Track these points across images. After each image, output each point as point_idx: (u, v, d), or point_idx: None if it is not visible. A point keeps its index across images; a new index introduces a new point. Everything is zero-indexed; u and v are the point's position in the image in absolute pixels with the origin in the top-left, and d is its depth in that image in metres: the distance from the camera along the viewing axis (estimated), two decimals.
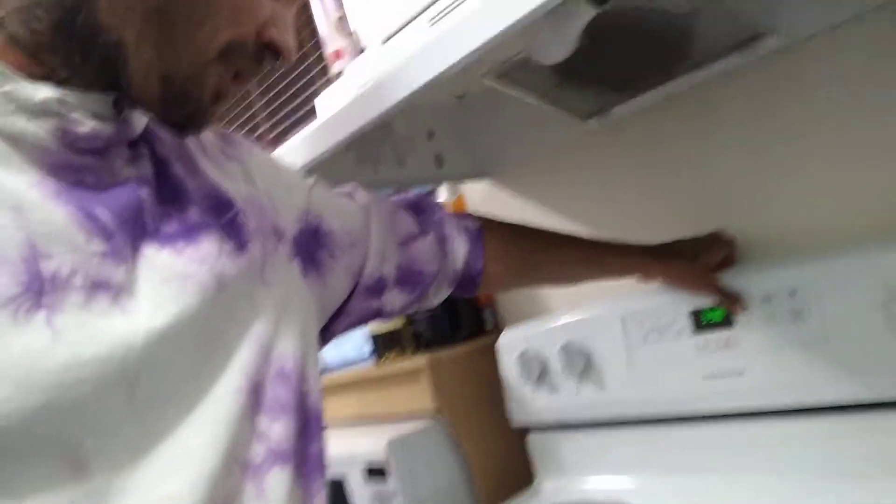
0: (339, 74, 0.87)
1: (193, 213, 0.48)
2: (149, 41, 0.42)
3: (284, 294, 0.52)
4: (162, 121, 0.46)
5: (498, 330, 0.97)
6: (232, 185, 0.53)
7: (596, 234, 0.77)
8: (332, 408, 1.09)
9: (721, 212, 0.82)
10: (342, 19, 0.85)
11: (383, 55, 0.70)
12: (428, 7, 0.64)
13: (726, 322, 0.72)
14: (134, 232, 0.44)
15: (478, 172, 1.04)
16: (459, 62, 0.53)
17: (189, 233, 0.47)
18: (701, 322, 0.74)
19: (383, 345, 1.04)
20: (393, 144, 0.92)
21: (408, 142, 0.95)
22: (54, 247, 0.39)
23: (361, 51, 0.85)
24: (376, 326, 1.05)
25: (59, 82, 0.42)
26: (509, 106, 0.92)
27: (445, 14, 0.62)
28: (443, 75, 0.55)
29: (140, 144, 0.49)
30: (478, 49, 0.51)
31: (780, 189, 0.77)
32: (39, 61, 0.42)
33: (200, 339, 0.44)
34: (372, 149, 0.90)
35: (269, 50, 0.47)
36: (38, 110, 0.41)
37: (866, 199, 0.71)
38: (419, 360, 0.93)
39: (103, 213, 0.42)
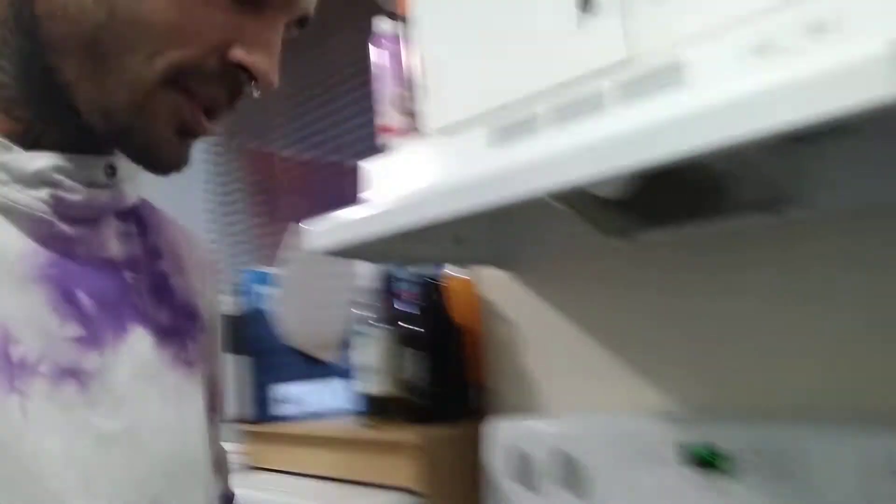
0: (386, 146, 0.90)
1: (169, 314, 0.49)
2: (87, 75, 0.41)
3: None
4: (134, 161, 0.44)
5: (491, 413, 0.99)
6: (202, 296, 0.53)
7: (600, 344, 0.80)
8: (310, 460, 1.10)
9: (726, 356, 0.86)
10: (404, 97, 0.89)
11: (442, 148, 0.73)
12: (492, 112, 0.67)
13: (716, 463, 0.75)
14: (117, 314, 0.44)
15: (495, 260, 1.07)
16: (529, 192, 0.55)
17: (166, 331, 0.47)
18: (692, 457, 0.77)
19: (374, 408, 1.05)
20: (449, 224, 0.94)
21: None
22: (25, 331, 0.39)
23: (415, 129, 0.88)
24: (370, 386, 1.07)
25: (42, 141, 0.42)
26: (537, 204, 0.96)
27: (512, 132, 0.66)
28: (502, 202, 0.58)
29: (130, 219, 0.49)
30: (551, 185, 0.53)
31: (786, 347, 0.81)
32: (15, 118, 0.42)
33: (155, 450, 0.43)
34: None
35: (242, 73, 0.43)
36: (33, 180, 0.41)
37: (871, 375, 0.75)
38: (408, 434, 0.95)
39: (84, 298, 0.42)
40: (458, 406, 1.04)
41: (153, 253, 0.50)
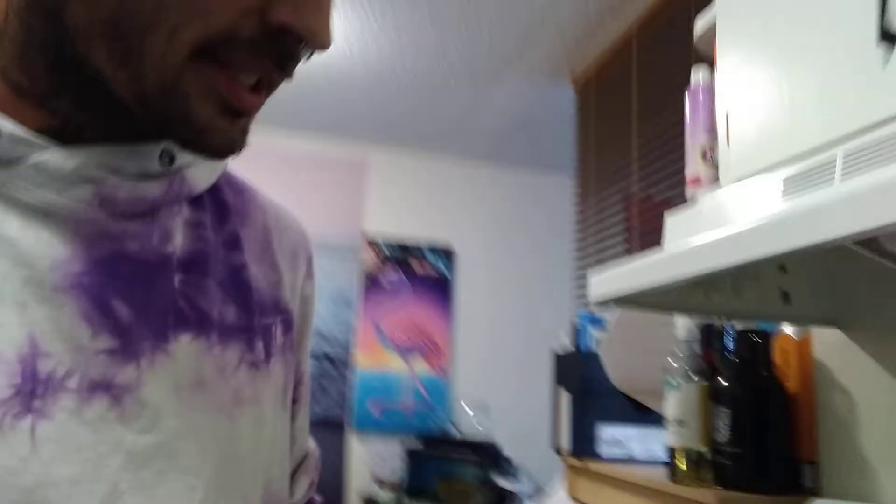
0: (692, 199, 0.89)
1: (239, 311, 0.44)
2: (116, 61, 0.36)
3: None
4: (184, 148, 0.40)
5: (816, 494, 0.88)
6: (291, 287, 0.50)
7: None
8: (617, 501, 1.11)
9: None
10: (712, 149, 0.87)
11: (737, 196, 0.71)
12: (790, 163, 0.63)
13: None
14: (159, 323, 0.40)
15: (827, 318, 0.95)
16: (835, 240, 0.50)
17: (227, 331, 0.43)
18: None
19: (683, 462, 1.02)
20: (733, 272, 0.91)
21: (752, 272, 0.92)
22: (56, 344, 0.36)
23: (716, 180, 0.86)
24: (677, 440, 1.04)
25: (85, 132, 0.39)
26: (868, 261, 0.84)
27: (807, 183, 0.61)
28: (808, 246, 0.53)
29: (205, 206, 0.45)
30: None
31: None
32: (50, 111, 0.38)
33: (194, 461, 0.40)
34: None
35: (288, 35, 0.37)
36: (71, 179, 0.37)
37: None
38: (711, 495, 0.90)
39: (120, 307, 0.39)
40: (778, 477, 0.94)
41: (230, 243, 0.46)
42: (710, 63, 0.94)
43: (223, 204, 0.47)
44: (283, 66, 0.39)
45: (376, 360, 3.27)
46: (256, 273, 0.47)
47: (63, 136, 0.38)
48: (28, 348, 0.36)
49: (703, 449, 1.00)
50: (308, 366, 0.54)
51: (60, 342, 0.36)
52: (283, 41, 0.37)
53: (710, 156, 0.87)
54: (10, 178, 0.37)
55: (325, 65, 2.51)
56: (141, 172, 0.40)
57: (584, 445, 1.40)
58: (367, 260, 3.35)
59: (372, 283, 3.33)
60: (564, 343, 1.65)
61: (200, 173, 0.44)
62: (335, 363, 3.24)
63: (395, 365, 3.28)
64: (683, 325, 1.13)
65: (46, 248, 0.37)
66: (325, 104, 2.93)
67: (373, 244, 3.37)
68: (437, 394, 3.31)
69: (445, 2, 2.14)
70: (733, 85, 0.77)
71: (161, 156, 0.40)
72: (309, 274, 0.53)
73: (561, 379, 1.55)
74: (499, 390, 3.23)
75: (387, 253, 3.37)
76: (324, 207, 3.31)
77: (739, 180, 0.71)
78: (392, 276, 3.36)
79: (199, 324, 0.42)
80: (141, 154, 0.40)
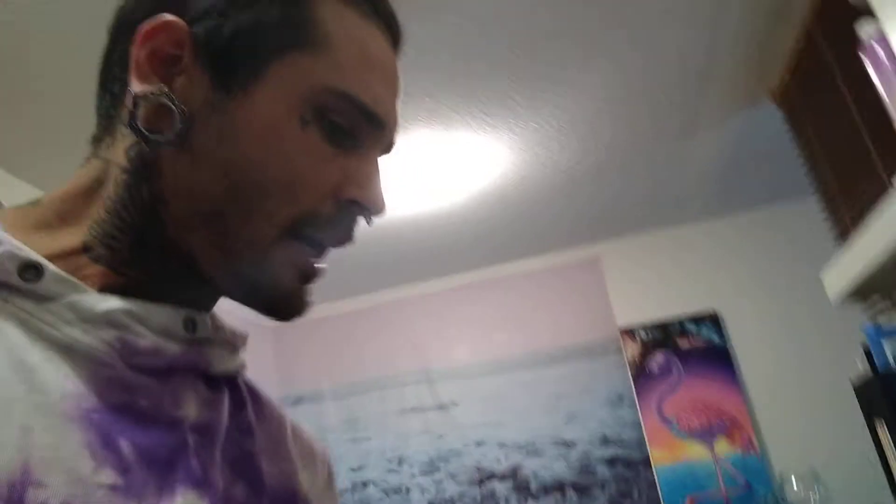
0: None
1: (247, 491, 0.44)
2: (213, 245, 0.42)
3: None
4: (260, 311, 0.44)
5: None
6: (305, 480, 0.50)
7: None
8: None
9: None
10: None
11: None
12: None
13: None
14: (167, 474, 0.39)
15: None
16: None
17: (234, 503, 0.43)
18: None
19: None
20: None
21: None
22: (53, 475, 0.35)
23: None
24: None
25: (136, 291, 0.42)
26: None
27: None
28: None
29: (220, 389, 0.46)
30: None
31: None
32: (120, 273, 0.43)
33: None
34: None
35: (355, 208, 0.44)
36: (99, 321, 0.39)
37: None
38: None
39: (126, 446, 0.38)
40: None
41: (243, 430, 0.47)
42: (869, 13, 0.85)
43: (240, 397, 0.49)
44: (349, 235, 0.45)
45: (674, 453, 3.05)
46: (268, 465, 0.47)
47: (121, 293, 0.41)
48: (20, 475, 0.34)
49: None
50: None
51: (59, 473, 0.35)
52: (352, 213, 0.44)
53: None
54: (40, 312, 0.38)
55: (523, 177, 2.63)
56: (164, 330, 0.42)
57: None
58: (630, 351, 3.25)
59: (642, 374, 3.19)
60: (861, 369, 1.42)
61: (219, 356, 0.46)
62: (631, 466, 3.09)
63: (695, 453, 3.03)
64: None
65: (63, 380, 0.37)
66: (539, 219, 3.04)
67: (630, 333, 3.28)
68: (754, 473, 2.96)
69: (613, 87, 2.18)
70: None
71: (186, 322, 0.43)
72: (329, 485, 0.54)
73: (871, 409, 1.33)
74: (819, 446, 2.81)
75: (647, 338, 3.24)
76: (572, 314, 3.34)
77: None
78: (660, 359, 3.20)
79: (208, 486, 0.41)
80: (168, 314, 0.43)
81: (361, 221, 0.46)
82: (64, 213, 0.44)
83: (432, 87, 2.08)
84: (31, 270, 0.38)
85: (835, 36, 1.91)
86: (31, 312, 0.38)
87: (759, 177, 2.99)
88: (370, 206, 0.44)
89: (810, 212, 2.72)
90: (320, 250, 0.45)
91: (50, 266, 0.39)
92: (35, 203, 0.45)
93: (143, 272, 0.43)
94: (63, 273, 0.40)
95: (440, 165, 2.44)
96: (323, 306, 3.52)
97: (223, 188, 0.41)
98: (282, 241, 0.42)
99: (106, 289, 0.42)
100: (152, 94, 0.41)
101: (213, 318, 0.48)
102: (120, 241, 0.43)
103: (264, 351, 3.47)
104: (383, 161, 0.48)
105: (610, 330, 3.31)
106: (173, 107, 0.41)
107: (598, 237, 3.40)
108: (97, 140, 0.46)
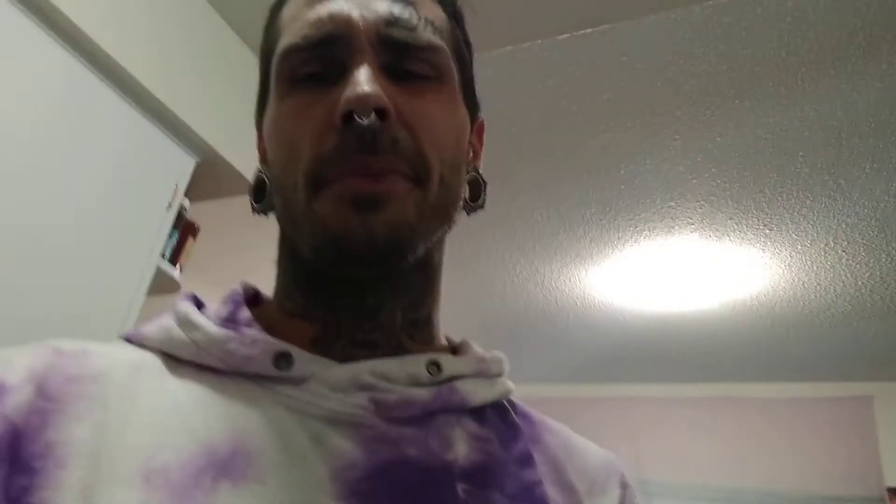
0: None
1: None
2: (292, 230, 0.45)
3: None
4: (354, 268, 0.43)
5: None
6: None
7: None
8: None
9: None
10: None
11: None
12: None
13: None
14: None
15: None
16: None
17: None
18: None
19: None
20: None
21: None
22: None
23: None
24: None
25: (341, 334, 0.44)
26: None
27: None
28: None
29: (489, 422, 0.45)
30: None
31: None
32: (313, 321, 0.45)
33: None
34: None
35: (352, 122, 0.41)
36: (349, 387, 0.41)
37: None
38: None
39: None
40: None
41: (521, 460, 0.45)
42: None
43: (512, 424, 0.47)
44: (371, 146, 0.41)
45: None
46: (553, 493, 0.45)
47: (329, 341, 0.45)
48: None
49: None
50: None
51: None
52: (350, 129, 0.41)
53: None
54: (299, 394, 0.41)
55: (797, 297, 2.35)
56: (410, 380, 0.43)
57: None
58: None
59: None
60: None
61: (474, 387, 0.46)
62: None
63: None
64: None
65: (330, 455, 0.39)
66: (805, 343, 2.69)
67: None
68: None
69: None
70: None
71: (429, 366, 0.44)
72: (624, 500, 0.50)
73: None
74: None
75: None
76: (828, 456, 2.89)
77: None
78: None
79: None
80: (409, 363, 0.44)
81: (373, 126, 0.42)
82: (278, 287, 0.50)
83: (711, 193, 1.94)
84: (283, 359, 0.42)
85: None
86: (292, 395, 0.41)
87: None
88: (347, 107, 0.41)
89: None
90: (355, 173, 0.42)
91: (296, 351, 0.43)
92: None
93: (324, 309, 0.46)
94: (307, 354, 0.43)
95: (707, 268, 2.27)
96: (542, 387, 3.43)
97: (277, 197, 0.46)
98: (315, 200, 0.42)
99: (316, 342, 0.45)
100: (256, 176, 0.49)
101: (463, 350, 0.49)
102: (292, 289, 0.47)
103: None
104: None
105: (874, 484, 2.79)
106: (261, 177, 0.48)
107: (873, 375, 2.92)
108: None
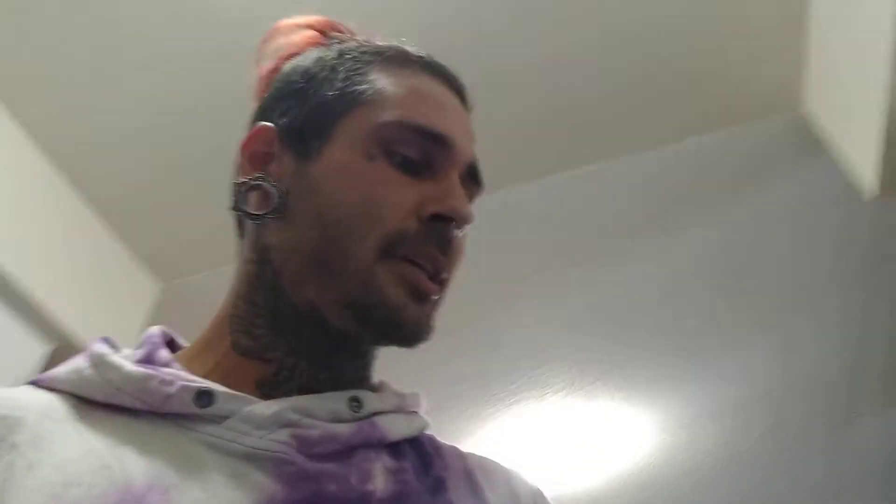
0: None
1: None
2: (325, 287, 0.46)
3: None
4: (384, 342, 0.48)
5: None
6: None
7: None
8: None
9: None
10: None
11: None
12: None
13: None
14: None
15: None
16: None
17: None
18: None
19: None
20: None
21: None
22: None
23: None
24: None
25: (290, 383, 0.46)
26: None
27: None
28: None
29: (405, 456, 0.47)
30: None
31: None
32: (269, 361, 0.47)
33: None
34: None
35: (440, 222, 0.47)
36: (271, 424, 0.42)
37: None
38: None
39: None
40: None
41: (435, 487, 0.47)
42: None
43: (426, 455, 0.49)
44: (443, 249, 0.48)
45: None
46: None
47: (274, 385, 0.47)
48: None
49: None
50: None
51: None
52: (438, 228, 0.47)
53: None
54: (220, 432, 0.42)
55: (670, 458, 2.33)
56: (332, 416, 0.45)
57: None
58: None
59: None
60: None
61: (392, 422, 0.48)
62: None
63: None
64: None
65: (249, 491, 0.40)
66: None
67: None
68: None
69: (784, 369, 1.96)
70: None
71: (350, 402, 0.46)
72: None
73: None
74: None
75: None
76: None
77: None
78: None
79: None
80: (330, 399, 0.46)
81: (454, 236, 0.49)
82: (216, 326, 0.50)
83: (576, 356, 2.01)
84: (204, 397, 0.43)
85: None
86: (212, 434, 0.42)
87: None
88: (452, 214, 0.47)
89: None
90: (424, 267, 0.47)
91: (218, 388, 0.43)
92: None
93: (287, 351, 0.47)
94: (228, 391, 0.44)
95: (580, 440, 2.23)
96: None
97: (318, 233, 0.47)
98: (381, 262, 0.46)
99: (262, 382, 0.46)
100: (250, 179, 0.49)
101: (382, 388, 0.51)
102: (258, 326, 0.48)
103: None
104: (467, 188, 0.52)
105: None
106: (269, 186, 0.48)
107: None
108: (237, 254, 0.53)
